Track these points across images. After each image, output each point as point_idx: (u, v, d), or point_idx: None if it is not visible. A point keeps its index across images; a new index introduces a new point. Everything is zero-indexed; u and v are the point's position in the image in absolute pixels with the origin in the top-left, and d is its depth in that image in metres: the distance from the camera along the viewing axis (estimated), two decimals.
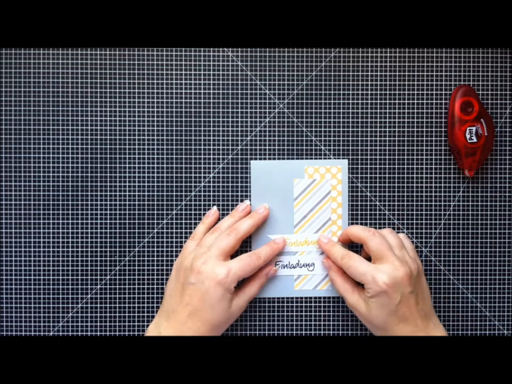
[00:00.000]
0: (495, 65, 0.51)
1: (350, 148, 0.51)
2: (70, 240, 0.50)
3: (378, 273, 0.43)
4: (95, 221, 0.50)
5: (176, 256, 0.50)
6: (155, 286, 0.50)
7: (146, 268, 0.50)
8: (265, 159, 0.51)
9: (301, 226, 0.50)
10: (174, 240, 0.51)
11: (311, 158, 0.51)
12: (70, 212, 0.50)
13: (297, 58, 0.51)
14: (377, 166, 0.51)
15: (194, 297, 0.43)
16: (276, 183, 0.50)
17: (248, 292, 0.47)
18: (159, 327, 0.44)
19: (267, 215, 0.49)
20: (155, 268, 0.50)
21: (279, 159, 0.51)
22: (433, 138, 0.51)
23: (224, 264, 0.44)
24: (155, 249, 0.50)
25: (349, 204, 0.51)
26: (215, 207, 0.50)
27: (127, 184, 0.50)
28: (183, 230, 0.51)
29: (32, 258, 0.50)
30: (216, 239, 0.46)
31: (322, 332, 0.51)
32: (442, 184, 0.51)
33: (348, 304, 0.46)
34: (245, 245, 0.50)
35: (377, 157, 0.51)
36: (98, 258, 0.50)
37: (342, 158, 0.51)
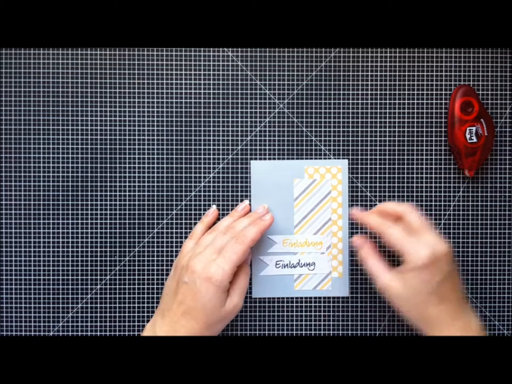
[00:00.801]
0: (495, 65, 0.51)
1: (350, 147, 0.51)
2: (70, 240, 0.50)
3: (420, 245, 0.41)
4: (95, 221, 0.50)
5: (176, 256, 0.50)
6: (155, 286, 0.50)
7: (146, 268, 0.50)
8: (265, 159, 0.51)
9: (301, 226, 0.50)
10: (174, 240, 0.51)
11: (311, 158, 0.51)
12: (70, 211, 0.50)
13: (297, 58, 0.51)
14: (377, 166, 0.51)
15: (187, 296, 0.43)
16: (276, 183, 0.50)
17: (238, 286, 0.45)
18: (154, 326, 0.44)
19: (271, 222, 0.47)
20: (155, 268, 0.50)
21: (279, 159, 0.51)
22: (433, 138, 0.51)
23: (217, 262, 0.44)
24: (155, 249, 0.50)
25: (349, 204, 0.51)
26: (214, 206, 0.50)
27: (127, 184, 0.50)
28: (183, 230, 0.51)
29: (32, 258, 0.50)
30: (214, 239, 0.46)
31: (322, 332, 0.51)
32: (442, 184, 0.51)
33: (379, 286, 0.44)
34: None
35: (377, 157, 0.51)
36: (98, 258, 0.51)
37: (342, 158, 0.51)
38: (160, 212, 0.50)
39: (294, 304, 0.51)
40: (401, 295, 0.43)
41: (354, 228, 0.51)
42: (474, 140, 0.49)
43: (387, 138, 0.51)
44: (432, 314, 0.42)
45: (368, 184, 0.51)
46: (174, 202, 0.51)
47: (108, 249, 0.51)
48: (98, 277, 0.51)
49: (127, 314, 0.51)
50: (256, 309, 0.51)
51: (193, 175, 0.51)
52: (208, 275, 0.43)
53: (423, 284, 0.41)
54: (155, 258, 0.50)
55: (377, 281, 0.44)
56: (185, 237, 0.51)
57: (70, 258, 0.50)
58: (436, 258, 0.41)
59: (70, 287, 0.50)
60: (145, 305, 0.50)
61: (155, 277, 0.50)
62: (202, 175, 0.51)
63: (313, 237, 0.50)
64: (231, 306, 0.44)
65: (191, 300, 0.43)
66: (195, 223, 0.51)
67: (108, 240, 0.50)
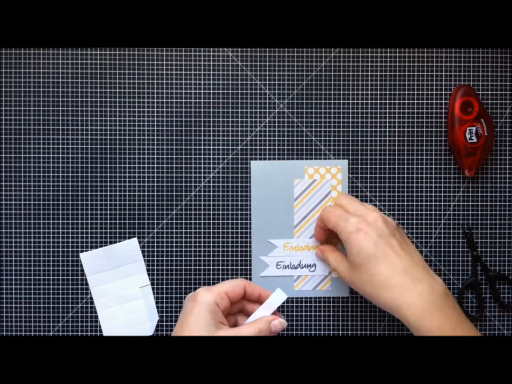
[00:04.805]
0: (495, 65, 0.51)
1: (350, 148, 0.51)
2: (70, 240, 0.50)
3: (350, 216, 0.43)
4: (95, 221, 0.50)
5: (176, 255, 0.50)
6: (155, 287, 0.50)
7: (146, 268, 0.50)
8: (265, 159, 0.51)
9: (301, 226, 0.50)
10: (174, 240, 0.50)
11: (311, 158, 0.51)
12: (70, 211, 0.50)
13: (297, 58, 0.51)
14: (377, 166, 0.51)
15: (180, 321, 0.43)
16: (276, 183, 0.50)
17: (240, 331, 0.42)
18: None
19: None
20: (155, 268, 0.50)
21: (279, 159, 0.51)
22: (433, 138, 0.51)
23: (206, 287, 0.44)
24: (155, 249, 0.50)
25: None
26: None
27: (127, 184, 0.50)
28: (183, 230, 0.51)
29: (32, 258, 0.50)
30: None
31: (322, 332, 0.51)
32: (442, 184, 0.51)
33: (339, 274, 0.45)
34: (245, 247, 0.50)
35: (377, 157, 0.51)
36: None
37: (342, 158, 0.51)
38: (160, 212, 0.50)
39: (294, 304, 0.51)
40: (351, 276, 0.43)
41: None
42: (474, 140, 0.49)
43: (387, 138, 0.51)
44: (382, 278, 0.41)
45: (368, 184, 0.51)
46: (174, 202, 0.51)
47: None
48: None
49: None
50: None
51: (193, 175, 0.51)
52: (194, 294, 0.42)
53: (360, 251, 0.41)
54: (155, 259, 0.50)
55: (339, 274, 0.45)
56: (186, 237, 0.51)
57: (70, 258, 0.50)
58: (366, 224, 0.42)
59: (70, 287, 0.50)
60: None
61: (155, 277, 0.50)
62: (202, 175, 0.51)
63: (314, 241, 0.50)
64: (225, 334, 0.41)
65: (179, 326, 0.42)
66: (195, 223, 0.51)
67: (108, 240, 0.50)
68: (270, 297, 0.45)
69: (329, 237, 0.49)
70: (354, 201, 0.45)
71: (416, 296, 0.41)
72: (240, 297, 0.44)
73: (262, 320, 0.43)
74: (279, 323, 0.43)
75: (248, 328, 0.42)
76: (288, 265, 0.50)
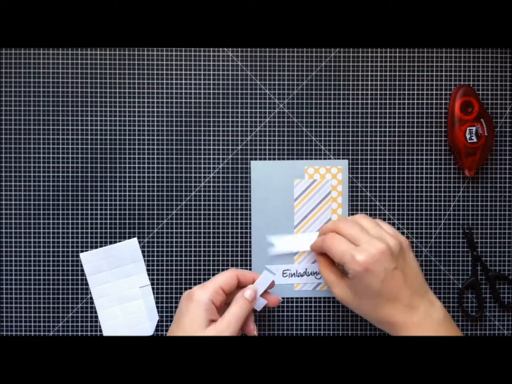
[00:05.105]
0: (495, 65, 0.51)
1: (350, 148, 0.51)
2: (70, 240, 0.50)
3: (356, 252, 0.41)
4: (95, 221, 0.50)
5: (176, 255, 0.50)
6: (155, 287, 0.50)
7: (146, 268, 0.50)
8: (265, 159, 0.51)
9: (301, 226, 0.50)
10: (174, 240, 0.50)
11: (311, 158, 0.51)
12: (70, 211, 0.50)
13: (297, 58, 0.51)
14: (377, 166, 0.51)
15: (172, 325, 0.43)
16: (276, 183, 0.50)
17: (224, 321, 0.42)
18: None
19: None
20: (155, 268, 0.50)
21: (279, 159, 0.51)
22: (433, 138, 0.51)
23: (200, 284, 0.44)
24: (155, 249, 0.50)
25: (349, 205, 0.51)
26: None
27: (127, 184, 0.50)
28: (183, 230, 0.51)
29: (32, 258, 0.50)
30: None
31: (322, 332, 0.51)
32: (442, 184, 0.51)
33: (336, 297, 0.44)
34: (245, 247, 0.50)
35: (377, 157, 0.51)
36: None
37: (342, 158, 0.51)
38: (160, 212, 0.50)
39: (294, 304, 0.51)
40: (352, 303, 0.43)
41: None
42: (474, 140, 0.49)
43: (387, 138, 0.51)
44: (385, 314, 0.42)
45: (368, 184, 0.51)
46: (174, 202, 0.51)
47: None
48: None
49: None
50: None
51: (193, 175, 0.51)
52: (190, 293, 0.42)
53: (367, 288, 0.41)
54: (155, 259, 0.50)
55: (333, 293, 0.45)
56: (186, 237, 0.51)
57: (70, 258, 0.50)
58: (373, 261, 0.40)
59: (70, 287, 0.50)
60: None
61: (155, 277, 0.50)
62: (202, 175, 0.51)
63: (312, 266, 0.50)
64: (212, 332, 0.41)
65: (175, 325, 0.42)
66: (195, 223, 0.51)
67: (108, 240, 0.50)
68: (257, 280, 0.45)
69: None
70: (352, 227, 0.43)
71: (416, 328, 0.41)
72: (234, 288, 0.44)
73: (236, 297, 0.43)
74: (251, 291, 0.44)
75: (228, 313, 0.42)
76: (294, 273, 0.50)
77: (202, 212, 0.51)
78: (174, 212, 0.51)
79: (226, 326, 0.41)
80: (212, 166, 0.51)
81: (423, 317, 0.41)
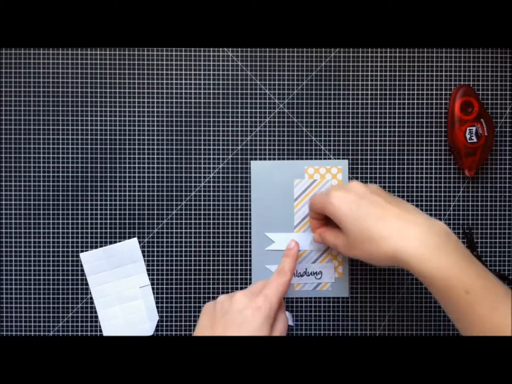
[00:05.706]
0: (495, 65, 0.51)
1: (350, 148, 0.51)
2: (70, 240, 0.50)
3: (331, 191, 0.43)
4: (95, 221, 0.50)
5: (176, 255, 0.51)
6: (155, 287, 0.50)
7: (146, 268, 0.50)
8: (265, 159, 0.51)
9: (301, 226, 0.50)
10: (174, 240, 0.51)
11: (311, 158, 0.51)
12: (70, 211, 0.50)
13: (297, 58, 0.51)
14: (377, 166, 0.51)
15: (229, 328, 0.41)
16: (276, 183, 0.50)
17: (280, 312, 0.44)
18: None
19: (297, 248, 0.48)
20: (155, 268, 0.50)
21: (279, 159, 0.51)
22: (433, 138, 0.51)
23: (260, 293, 0.43)
24: (155, 249, 0.50)
25: None
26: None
27: (127, 184, 0.50)
28: (183, 230, 0.51)
29: (32, 258, 0.50)
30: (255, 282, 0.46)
31: (322, 332, 0.51)
32: (442, 184, 0.51)
33: (342, 252, 0.44)
34: (245, 247, 0.50)
35: (377, 157, 0.51)
36: None
37: (342, 158, 0.51)
38: (160, 212, 0.50)
39: (294, 304, 0.51)
40: (353, 247, 0.42)
41: None
42: (474, 139, 0.49)
43: (387, 138, 0.51)
44: (369, 227, 0.40)
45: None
46: (174, 202, 0.51)
47: None
48: None
49: None
50: None
51: (193, 175, 0.51)
52: (258, 304, 0.42)
53: (354, 224, 0.41)
54: (155, 259, 0.50)
55: (337, 249, 0.45)
56: (186, 237, 0.51)
57: (70, 258, 0.50)
58: (344, 195, 0.42)
59: (70, 287, 0.50)
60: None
61: (155, 277, 0.50)
62: (202, 175, 0.51)
63: (312, 266, 0.50)
64: (277, 333, 0.43)
65: (235, 331, 0.41)
66: (195, 223, 0.51)
67: (108, 240, 0.50)
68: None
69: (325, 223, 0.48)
70: (338, 185, 0.46)
71: (414, 239, 0.38)
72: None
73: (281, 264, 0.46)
74: (292, 241, 0.49)
75: (274, 280, 0.44)
76: (294, 274, 0.50)
77: (202, 212, 0.51)
78: (174, 212, 0.51)
79: (283, 321, 0.44)
80: (211, 166, 0.51)
81: (422, 229, 0.39)
